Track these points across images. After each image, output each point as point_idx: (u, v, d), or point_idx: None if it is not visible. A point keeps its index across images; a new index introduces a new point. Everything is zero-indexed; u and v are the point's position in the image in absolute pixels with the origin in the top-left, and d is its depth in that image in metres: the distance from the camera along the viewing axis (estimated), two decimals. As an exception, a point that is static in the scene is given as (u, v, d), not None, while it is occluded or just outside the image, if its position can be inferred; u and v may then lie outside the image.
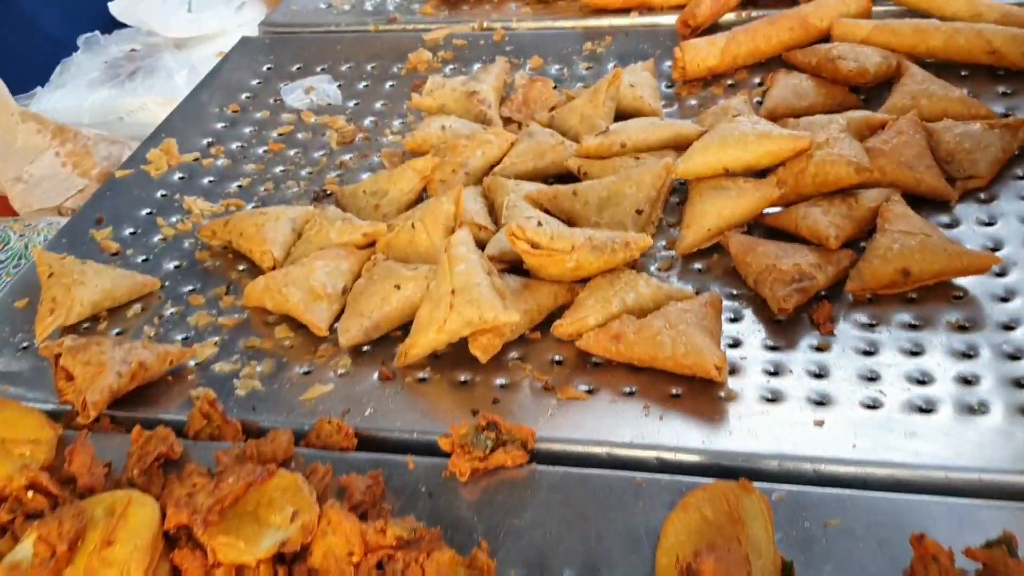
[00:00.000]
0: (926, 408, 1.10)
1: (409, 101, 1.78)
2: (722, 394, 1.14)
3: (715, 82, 1.74)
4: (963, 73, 1.62)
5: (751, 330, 1.24)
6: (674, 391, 1.16)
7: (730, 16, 1.87)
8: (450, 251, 1.25)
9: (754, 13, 1.86)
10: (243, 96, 1.90)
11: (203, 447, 1.16)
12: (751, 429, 1.09)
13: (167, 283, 1.46)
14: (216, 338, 1.35)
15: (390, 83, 1.89)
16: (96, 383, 1.19)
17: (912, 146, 1.39)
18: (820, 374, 1.16)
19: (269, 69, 1.97)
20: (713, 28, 1.83)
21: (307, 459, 1.12)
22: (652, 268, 1.37)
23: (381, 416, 1.18)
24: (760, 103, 1.64)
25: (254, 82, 1.94)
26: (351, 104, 1.85)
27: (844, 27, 1.67)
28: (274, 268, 1.42)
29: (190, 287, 1.45)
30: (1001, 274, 1.26)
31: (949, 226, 1.35)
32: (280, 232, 1.45)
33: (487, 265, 1.26)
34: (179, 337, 1.36)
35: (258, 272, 1.44)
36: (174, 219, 1.59)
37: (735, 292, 1.30)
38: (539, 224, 1.27)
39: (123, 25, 2.29)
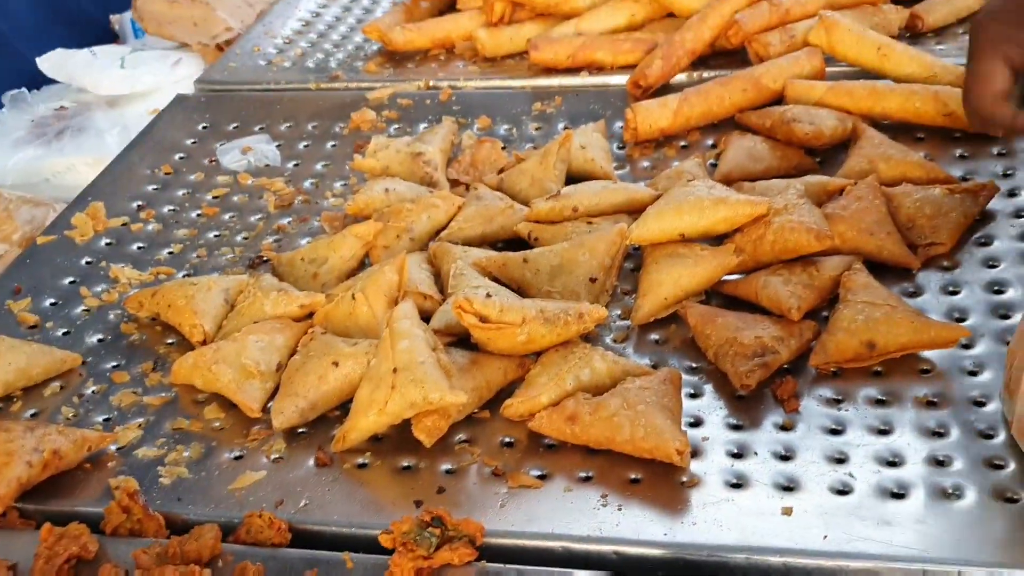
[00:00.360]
0: (898, 492, 1.04)
1: (351, 162, 1.71)
2: (684, 479, 1.07)
3: (668, 143, 1.69)
4: (919, 135, 1.59)
5: (712, 407, 1.18)
6: (633, 476, 1.08)
7: (681, 76, 1.83)
8: (393, 325, 1.17)
9: (706, 74, 1.82)
10: (176, 157, 1.82)
11: (122, 543, 1.06)
12: (716, 519, 1.02)
13: (89, 359, 1.36)
14: (141, 419, 1.25)
15: (332, 143, 1.82)
16: (2, 475, 1.08)
17: (872, 212, 1.35)
18: (786, 456, 1.10)
19: (205, 128, 1.89)
20: (665, 88, 1.79)
21: (236, 557, 1.03)
22: (607, 339, 1.30)
23: (317, 507, 1.09)
24: (714, 165, 1.60)
25: (188, 142, 1.86)
26: (290, 165, 1.77)
27: (798, 88, 1.64)
28: (205, 342, 1.33)
29: (114, 363, 1.36)
30: (968, 346, 1.21)
31: (912, 295, 1.30)
32: (211, 304, 1.36)
33: (432, 340, 1.18)
34: (100, 419, 1.26)
35: (188, 346, 1.35)
36: (99, 289, 1.50)
37: (694, 365, 1.24)
38: (488, 295, 1.19)
39: (52, 81, 2.19)
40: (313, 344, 1.26)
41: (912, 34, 1.88)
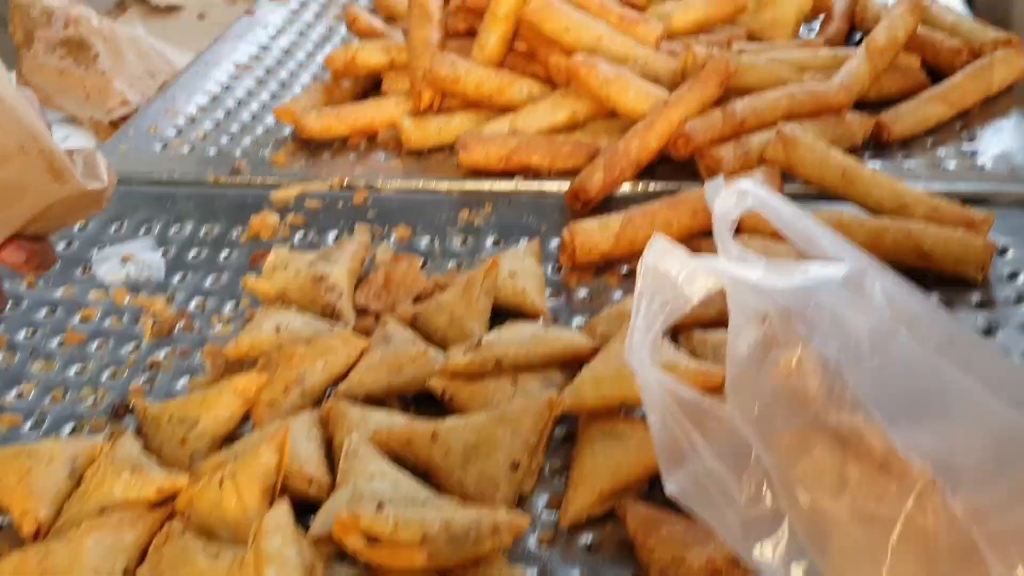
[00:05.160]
0: None
1: (245, 278, 1.47)
2: None
3: (609, 269, 1.49)
4: (891, 276, 1.41)
5: (653, 645, 0.96)
6: None
7: (626, 188, 1.64)
8: (259, 544, 0.94)
9: (652, 185, 1.64)
10: (43, 265, 1.57)
11: None
12: None
13: None
14: (-55, 640, 1.01)
15: (226, 252, 1.59)
16: None
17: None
18: None
19: (81, 229, 1.65)
20: (607, 200, 1.60)
21: None
22: (531, 540, 1.08)
23: None
24: (661, 302, 1.40)
25: (59, 246, 1.61)
26: (175, 280, 1.53)
27: (758, 216, 1.44)
28: (38, 535, 1.08)
29: (-77, 555, 1.11)
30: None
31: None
32: (52, 480, 1.12)
33: (309, 558, 0.95)
34: None
35: (17, 537, 1.10)
36: (-77, 444, 1.25)
37: (633, 579, 1.03)
38: (379, 506, 0.97)
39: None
40: (167, 549, 1.02)
41: (877, 143, 1.72)
